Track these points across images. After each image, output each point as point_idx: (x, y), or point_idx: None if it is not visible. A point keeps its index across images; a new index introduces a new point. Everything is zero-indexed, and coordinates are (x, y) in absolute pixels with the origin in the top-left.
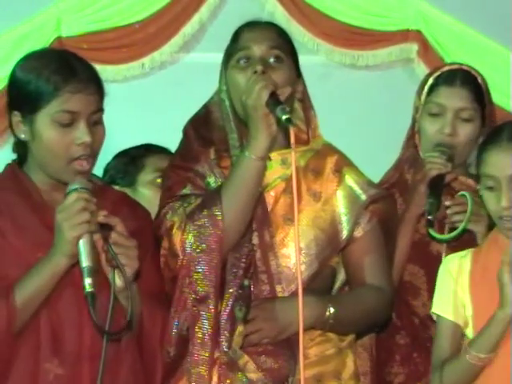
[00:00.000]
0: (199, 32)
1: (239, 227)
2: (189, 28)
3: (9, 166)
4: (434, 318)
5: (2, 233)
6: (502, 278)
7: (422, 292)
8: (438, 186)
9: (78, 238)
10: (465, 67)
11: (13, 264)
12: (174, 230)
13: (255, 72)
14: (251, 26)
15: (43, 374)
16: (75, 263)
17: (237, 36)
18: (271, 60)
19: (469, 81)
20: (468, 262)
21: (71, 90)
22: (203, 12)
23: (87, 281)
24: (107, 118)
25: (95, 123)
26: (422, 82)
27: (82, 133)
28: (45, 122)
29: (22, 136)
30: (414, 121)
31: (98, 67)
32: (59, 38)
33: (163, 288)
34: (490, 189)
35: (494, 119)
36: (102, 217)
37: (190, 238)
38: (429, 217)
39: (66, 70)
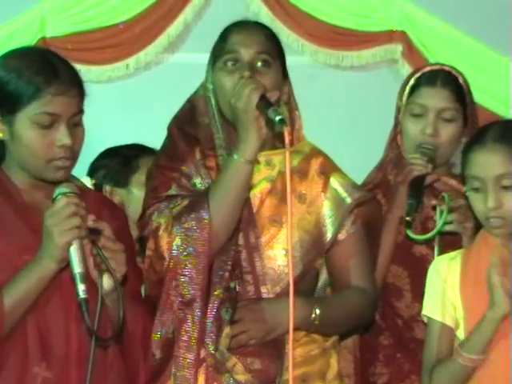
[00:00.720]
0: (184, 32)
1: (227, 230)
2: (173, 29)
3: None
4: (425, 320)
5: None
6: (492, 278)
7: (405, 293)
8: (418, 187)
9: (69, 243)
10: (446, 67)
11: (3, 268)
12: (161, 232)
13: (242, 77)
14: (240, 27)
15: (31, 377)
16: (63, 268)
17: (225, 36)
18: (259, 64)
19: (450, 81)
20: (458, 263)
21: (52, 92)
22: (188, 13)
23: (81, 287)
24: (92, 118)
25: (75, 125)
26: (404, 82)
27: (62, 135)
28: (24, 122)
29: (0, 135)
30: (397, 121)
31: (83, 68)
32: (43, 39)
33: (139, 287)
34: (476, 190)
35: (475, 119)
36: (91, 221)
37: (177, 241)
38: (407, 218)
39: (47, 72)
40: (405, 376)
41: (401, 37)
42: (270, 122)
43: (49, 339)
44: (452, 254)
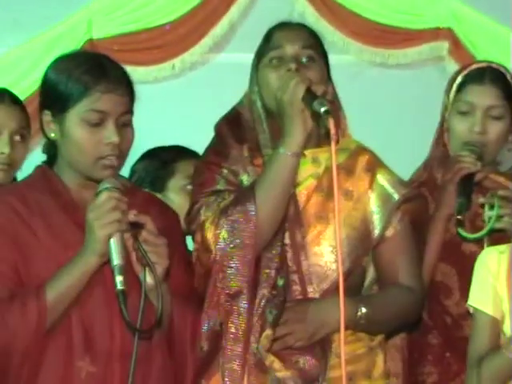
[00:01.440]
0: (229, 32)
1: (273, 223)
2: (219, 29)
3: (39, 167)
4: (471, 310)
5: (34, 232)
6: None
7: (454, 291)
8: (468, 185)
9: (109, 236)
10: (493, 65)
11: (44, 263)
12: (207, 225)
13: (289, 70)
14: (283, 26)
15: (76, 371)
16: (105, 262)
17: (268, 37)
18: (304, 59)
19: (498, 78)
20: (506, 256)
21: (101, 89)
22: (233, 12)
23: (118, 278)
24: (138, 118)
25: (124, 125)
26: (451, 80)
27: (110, 132)
28: (74, 120)
29: (52, 135)
30: (443, 119)
31: (129, 68)
32: (90, 40)
33: (192, 288)
34: None
35: None
36: (132, 215)
37: (224, 233)
38: (458, 216)
39: (97, 71)
40: (454, 375)
41: (447, 34)
42: (315, 117)
43: (92, 333)
44: (501, 246)
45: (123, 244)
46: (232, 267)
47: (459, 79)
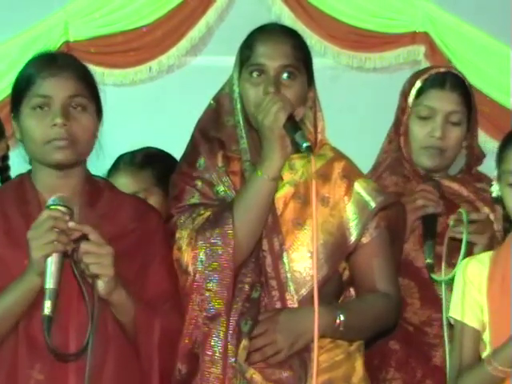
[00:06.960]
0: (206, 35)
1: (250, 244)
2: (196, 31)
3: (20, 175)
4: (452, 322)
5: None
6: None
7: (414, 301)
8: (432, 225)
9: (45, 257)
10: (453, 70)
11: (1, 276)
12: (184, 247)
13: (268, 93)
14: (266, 36)
15: (23, 380)
16: None
17: (251, 44)
18: (284, 76)
19: (458, 84)
20: (486, 265)
21: (44, 75)
22: (210, 15)
23: (46, 304)
24: (115, 121)
25: (75, 108)
26: (409, 83)
27: (54, 114)
28: (26, 112)
29: (18, 136)
30: (399, 123)
31: (106, 71)
32: (67, 43)
33: (176, 290)
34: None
35: (477, 123)
36: (72, 224)
37: (202, 256)
38: (429, 260)
39: (42, 62)
40: (419, 381)
41: (423, 38)
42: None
43: (42, 341)
44: (480, 256)
45: (61, 265)
46: (210, 290)
47: (418, 83)
